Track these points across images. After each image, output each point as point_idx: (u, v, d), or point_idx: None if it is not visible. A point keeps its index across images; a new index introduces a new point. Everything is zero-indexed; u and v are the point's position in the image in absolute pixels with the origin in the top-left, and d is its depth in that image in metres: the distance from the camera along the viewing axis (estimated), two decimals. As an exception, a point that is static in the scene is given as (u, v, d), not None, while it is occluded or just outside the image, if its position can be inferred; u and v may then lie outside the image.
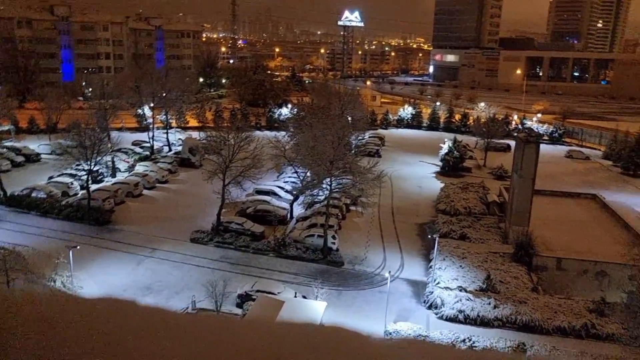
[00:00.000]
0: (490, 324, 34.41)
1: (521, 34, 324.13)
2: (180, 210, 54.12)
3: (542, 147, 52.78)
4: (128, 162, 68.76)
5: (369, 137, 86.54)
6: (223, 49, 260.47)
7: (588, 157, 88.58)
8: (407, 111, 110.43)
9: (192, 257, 43.36)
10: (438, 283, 38.26)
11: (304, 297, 35.85)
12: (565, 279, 41.73)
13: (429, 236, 44.54)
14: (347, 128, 54.97)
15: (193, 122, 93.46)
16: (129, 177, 61.63)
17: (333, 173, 44.59)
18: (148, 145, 77.07)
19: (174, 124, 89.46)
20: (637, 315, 28.10)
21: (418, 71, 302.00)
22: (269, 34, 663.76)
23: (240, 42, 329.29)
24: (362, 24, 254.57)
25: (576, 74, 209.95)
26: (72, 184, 57.79)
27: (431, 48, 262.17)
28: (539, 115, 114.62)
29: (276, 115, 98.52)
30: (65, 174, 58.82)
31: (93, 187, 55.46)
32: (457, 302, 35.70)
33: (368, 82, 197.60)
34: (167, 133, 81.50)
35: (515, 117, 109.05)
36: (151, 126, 79.88)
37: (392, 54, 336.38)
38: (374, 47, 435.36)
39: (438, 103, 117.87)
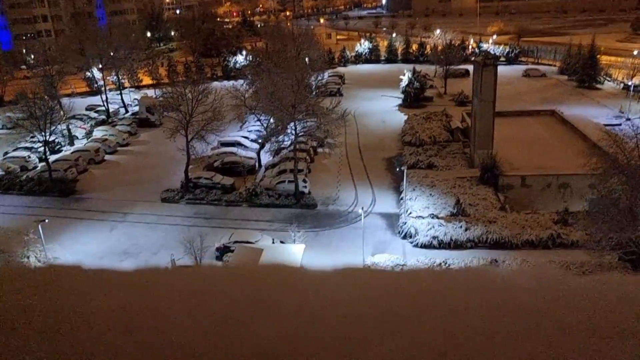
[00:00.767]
0: (463, 246, 35.82)
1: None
2: (146, 171, 53.25)
3: (500, 68, 53.23)
4: (85, 128, 66.55)
5: (329, 76, 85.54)
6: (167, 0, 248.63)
7: (544, 74, 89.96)
8: (364, 46, 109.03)
9: (165, 216, 43.14)
10: (410, 213, 39.29)
11: (282, 242, 36.41)
12: (531, 194, 43.38)
13: (397, 169, 45.25)
14: (305, 70, 54.09)
15: (147, 80, 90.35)
16: (88, 143, 59.85)
17: (296, 117, 44.23)
18: (103, 109, 74.49)
19: (127, 84, 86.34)
20: (598, 221, 29.65)
21: (371, 3, 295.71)
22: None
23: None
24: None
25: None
26: (29, 157, 55.89)
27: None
28: (494, 37, 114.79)
29: (231, 64, 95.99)
30: (21, 148, 56.76)
31: (52, 158, 53.82)
32: (430, 229, 36.88)
33: (322, 20, 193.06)
34: (121, 94, 78.73)
35: (472, 41, 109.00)
36: (103, 89, 76.91)
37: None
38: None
39: (394, 35, 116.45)
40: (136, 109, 74.09)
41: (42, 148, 51.05)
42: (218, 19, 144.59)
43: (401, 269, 28.76)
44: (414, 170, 47.15)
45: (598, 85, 79.81)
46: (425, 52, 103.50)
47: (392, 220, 40.42)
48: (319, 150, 55.79)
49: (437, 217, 38.35)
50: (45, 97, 55.60)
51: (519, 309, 2.07)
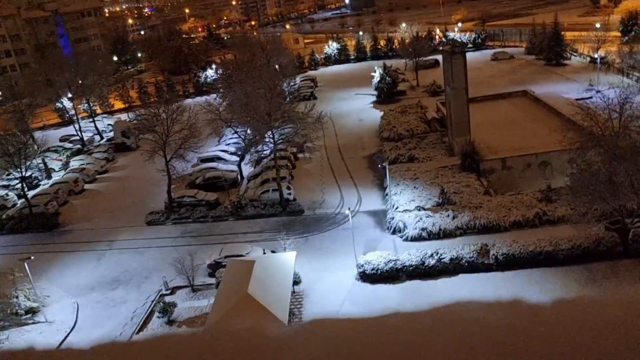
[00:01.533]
0: (452, 235, 36.04)
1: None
2: (128, 196, 52.63)
3: (468, 55, 53.78)
4: (60, 160, 65.55)
5: (301, 81, 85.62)
6: (130, 21, 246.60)
7: (512, 55, 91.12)
8: (332, 47, 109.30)
9: (152, 239, 42.67)
10: (397, 208, 39.42)
11: (273, 251, 36.24)
12: (513, 176, 43.87)
13: (379, 166, 45.39)
14: (276, 77, 54.06)
15: (118, 105, 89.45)
16: (66, 174, 58.95)
17: (273, 125, 44.14)
18: (77, 138, 73.44)
19: (99, 111, 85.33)
20: (581, 195, 30.08)
21: (334, 4, 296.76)
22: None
23: (146, 10, 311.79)
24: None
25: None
26: (7, 195, 54.82)
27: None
28: (460, 24, 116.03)
29: (202, 79, 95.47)
30: (-3, 186, 55.66)
31: (30, 193, 52.92)
32: (419, 221, 37.04)
33: (287, 26, 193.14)
34: (94, 121, 77.76)
35: (438, 31, 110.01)
36: (75, 118, 75.88)
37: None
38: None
39: (361, 33, 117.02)
40: (111, 134, 73.25)
41: (20, 184, 50.16)
42: (184, 36, 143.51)
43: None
44: (395, 165, 47.35)
45: (565, 62, 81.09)
46: (394, 46, 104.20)
47: (379, 217, 40.51)
48: (300, 155, 55.74)
49: (424, 209, 38.54)
50: (17, 132, 54.68)
51: (496, 347, 2.06)
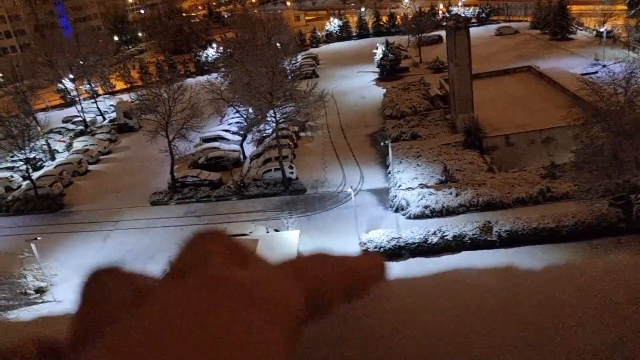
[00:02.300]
0: (455, 212, 36.09)
1: None
2: (131, 177, 52.76)
3: (472, 30, 53.10)
4: (64, 141, 65.60)
5: (302, 59, 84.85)
6: (130, 0, 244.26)
7: (517, 30, 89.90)
8: (334, 24, 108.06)
9: (156, 219, 42.94)
10: (399, 186, 39.43)
11: (276, 230, 36.46)
12: (516, 153, 43.70)
13: (382, 144, 45.29)
14: (278, 55, 53.62)
15: (120, 85, 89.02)
16: (70, 156, 59.10)
17: (275, 104, 43.97)
18: (80, 119, 73.35)
19: (100, 92, 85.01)
20: (585, 170, 30.02)
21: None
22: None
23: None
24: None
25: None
26: (12, 177, 55.04)
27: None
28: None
29: (203, 59, 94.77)
30: (2, 169, 55.87)
31: (35, 174, 53.10)
32: (421, 199, 37.09)
33: (288, 3, 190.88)
34: (95, 102, 77.56)
35: (441, 6, 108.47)
36: (77, 99, 75.70)
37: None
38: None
39: (363, 9, 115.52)
40: (113, 115, 73.09)
41: (24, 166, 50.33)
42: (184, 14, 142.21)
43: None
44: (398, 143, 47.19)
45: (571, 36, 79.97)
46: (396, 22, 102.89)
47: (382, 195, 40.56)
48: (302, 134, 55.59)
49: (427, 187, 38.55)
50: (20, 114, 54.69)
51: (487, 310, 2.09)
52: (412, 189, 38.53)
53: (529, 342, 1.94)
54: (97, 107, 76.82)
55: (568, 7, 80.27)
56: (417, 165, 42.37)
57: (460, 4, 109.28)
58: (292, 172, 45.30)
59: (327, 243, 35.47)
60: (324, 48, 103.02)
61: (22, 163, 50.67)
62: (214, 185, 46.32)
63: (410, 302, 2.35)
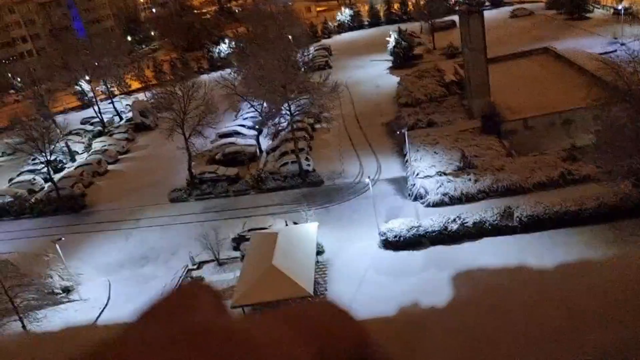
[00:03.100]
0: (475, 199, 35.77)
1: None
2: (150, 175, 53.29)
3: (486, 13, 52.32)
4: (83, 142, 66.48)
5: (315, 50, 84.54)
6: (141, 0, 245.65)
7: (532, 11, 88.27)
8: (345, 14, 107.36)
9: (176, 216, 43.35)
10: (417, 174, 39.17)
11: (295, 223, 36.54)
12: (535, 136, 43.02)
13: (398, 132, 44.96)
14: (290, 48, 53.53)
15: (135, 85, 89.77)
16: (89, 157, 59.93)
17: (289, 97, 43.92)
18: (97, 120, 74.26)
19: (116, 92, 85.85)
20: (606, 152, 29.45)
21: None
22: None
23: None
24: None
25: None
26: (34, 179, 56.03)
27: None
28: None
29: (216, 55, 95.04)
30: (25, 172, 56.90)
31: (56, 176, 53.96)
32: (440, 186, 36.82)
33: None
34: (112, 103, 78.38)
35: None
36: (94, 100, 76.57)
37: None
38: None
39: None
40: (130, 115, 73.81)
41: (45, 168, 51.17)
42: (195, 11, 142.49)
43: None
44: (414, 131, 46.80)
45: (588, 15, 78.23)
46: (408, 9, 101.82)
47: (400, 184, 40.35)
48: (317, 126, 55.50)
49: (445, 174, 38.25)
50: (39, 117, 55.51)
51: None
52: (430, 176, 38.26)
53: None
54: (114, 108, 77.63)
55: (584, -15, 78.53)
56: (435, 152, 42.01)
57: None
58: (308, 164, 45.31)
59: (347, 234, 35.48)
60: (336, 38, 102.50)
61: (43, 165, 51.50)
62: (231, 180, 46.56)
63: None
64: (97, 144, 64.49)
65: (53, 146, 51.62)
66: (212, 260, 35.65)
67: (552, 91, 46.96)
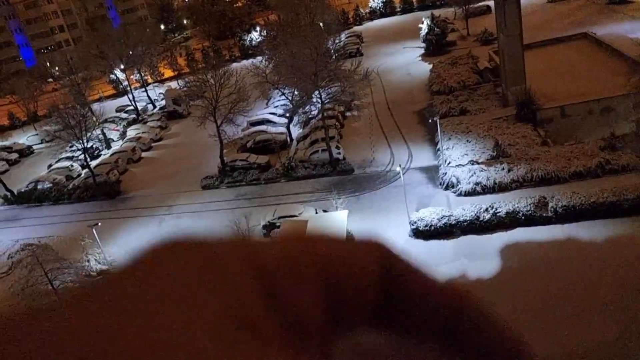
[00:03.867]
0: (508, 188, 35.07)
1: None
2: (183, 162, 54.14)
3: (522, -2, 50.86)
4: (118, 130, 68.01)
5: (346, 37, 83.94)
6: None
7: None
8: (377, 0, 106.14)
9: (208, 203, 43.99)
10: (449, 163, 38.63)
11: (325, 211, 36.60)
12: (572, 124, 41.83)
13: (430, 120, 44.33)
14: (321, 35, 53.28)
15: (168, 73, 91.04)
16: (124, 144, 61.26)
17: (320, 85, 43.79)
18: (132, 108, 75.74)
19: (150, 80, 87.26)
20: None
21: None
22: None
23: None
24: None
25: None
26: (72, 166, 57.68)
27: None
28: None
29: (248, 43, 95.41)
30: (63, 158, 58.60)
31: (93, 163, 55.37)
32: (472, 175, 36.24)
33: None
34: (146, 91, 79.73)
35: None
36: (129, 88, 78.03)
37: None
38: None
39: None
40: (163, 103, 74.98)
41: (82, 155, 52.54)
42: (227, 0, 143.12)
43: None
44: (447, 119, 46.11)
45: (630, -2, 75.29)
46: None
47: (431, 173, 39.90)
48: (348, 114, 55.26)
49: (477, 163, 37.61)
50: (76, 105, 56.91)
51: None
52: (463, 165, 37.69)
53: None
54: (148, 96, 78.97)
55: (627, -33, 75.45)
56: (467, 141, 41.32)
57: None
58: (339, 153, 45.21)
59: (377, 223, 35.36)
60: (367, 25, 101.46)
61: (80, 152, 52.90)
62: (262, 168, 46.90)
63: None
64: (131, 132, 65.82)
65: (89, 133, 52.92)
66: (243, 247, 36.09)
67: (591, 78, 45.47)
